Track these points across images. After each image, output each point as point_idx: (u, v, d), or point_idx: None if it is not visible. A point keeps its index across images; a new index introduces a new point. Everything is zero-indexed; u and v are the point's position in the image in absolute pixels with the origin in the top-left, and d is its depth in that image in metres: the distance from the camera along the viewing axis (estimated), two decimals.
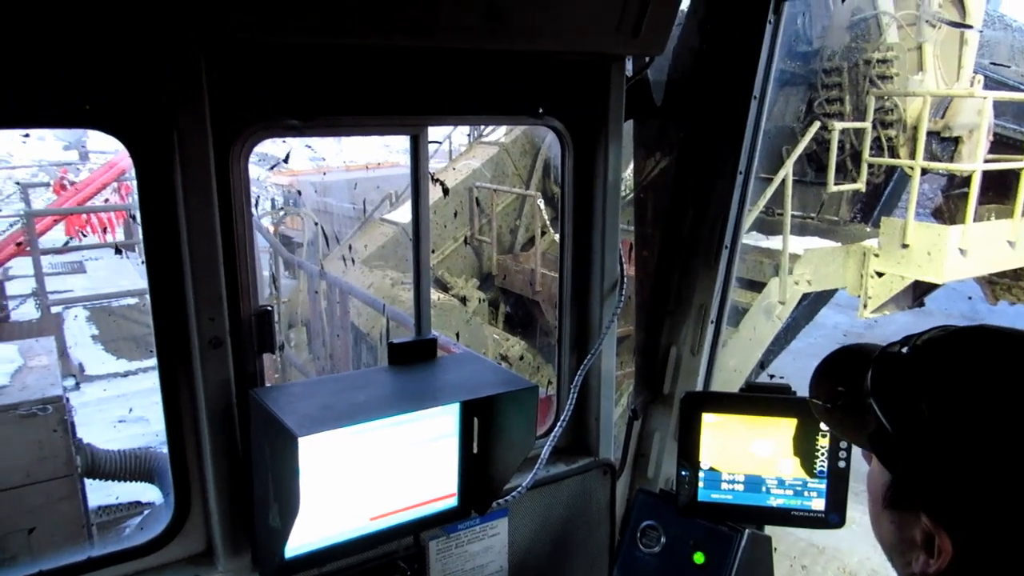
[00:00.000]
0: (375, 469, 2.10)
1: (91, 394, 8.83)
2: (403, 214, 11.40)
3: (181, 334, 2.07)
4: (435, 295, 10.01)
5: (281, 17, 1.90)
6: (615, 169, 2.76)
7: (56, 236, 13.01)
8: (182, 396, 2.11)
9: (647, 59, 2.73)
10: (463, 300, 10.75)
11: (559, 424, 2.70)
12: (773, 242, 9.62)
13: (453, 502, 2.29)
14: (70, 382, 8.75)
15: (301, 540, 2.02)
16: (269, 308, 2.24)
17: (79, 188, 12.59)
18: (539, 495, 2.78)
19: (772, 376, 8.45)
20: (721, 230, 3.02)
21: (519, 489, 2.53)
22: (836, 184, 9.61)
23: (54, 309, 10.32)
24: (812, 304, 9.52)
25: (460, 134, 14.08)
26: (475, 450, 2.28)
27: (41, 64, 1.76)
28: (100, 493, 5.43)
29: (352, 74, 2.19)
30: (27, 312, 10.11)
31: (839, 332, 14.27)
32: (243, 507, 2.16)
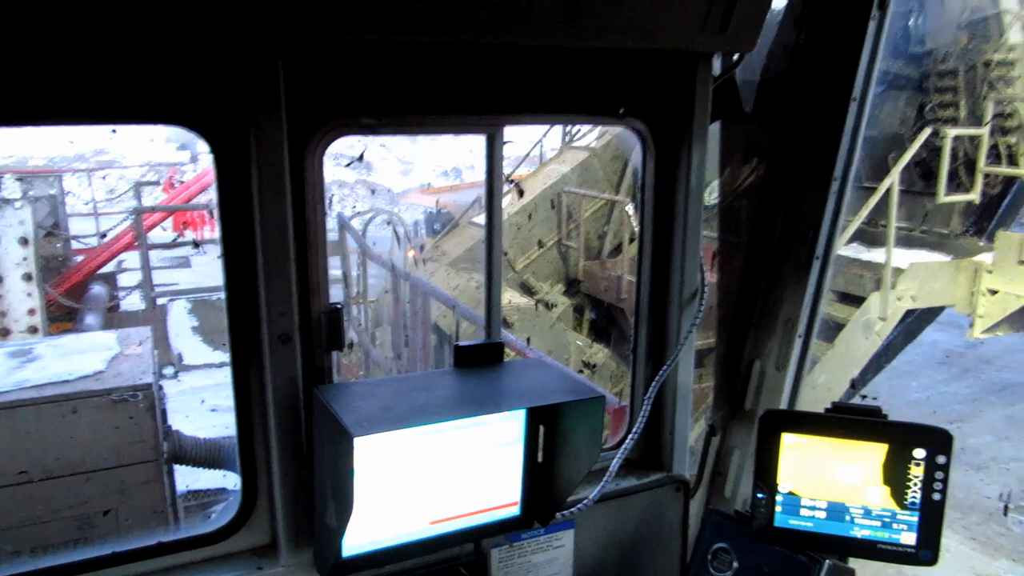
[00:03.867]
0: (436, 473, 2.07)
1: (188, 383, 9.27)
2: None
3: (252, 329, 2.11)
4: (519, 299, 10.02)
5: (356, 15, 1.91)
6: (699, 173, 2.66)
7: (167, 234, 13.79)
8: (252, 390, 2.15)
9: (736, 57, 2.63)
10: (548, 305, 10.70)
11: (631, 436, 2.61)
12: (875, 254, 9.15)
13: (516, 511, 2.24)
14: (170, 370, 9.23)
15: (360, 540, 2.02)
16: (339, 306, 2.25)
17: (186, 187, 13.32)
18: (607, 509, 2.70)
19: (864, 397, 8.03)
20: (813, 240, 2.88)
21: (586, 501, 2.46)
22: (947, 195, 9.05)
23: (160, 301, 10.91)
24: (915, 322, 8.98)
25: (552, 138, 14.09)
26: (540, 459, 2.23)
27: (126, 62, 1.83)
28: (191, 478, 5.68)
29: (427, 72, 2.18)
30: (134, 303, 10.73)
31: (939, 351, 13.47)
32: (307, 503, 2.18)
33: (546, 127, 12.96)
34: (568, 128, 13.08)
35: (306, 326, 2.16)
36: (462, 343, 2.27)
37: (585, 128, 12.38)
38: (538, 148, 13.78)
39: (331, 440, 1.88)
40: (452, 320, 8.34)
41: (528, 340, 6.65)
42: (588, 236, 11.56)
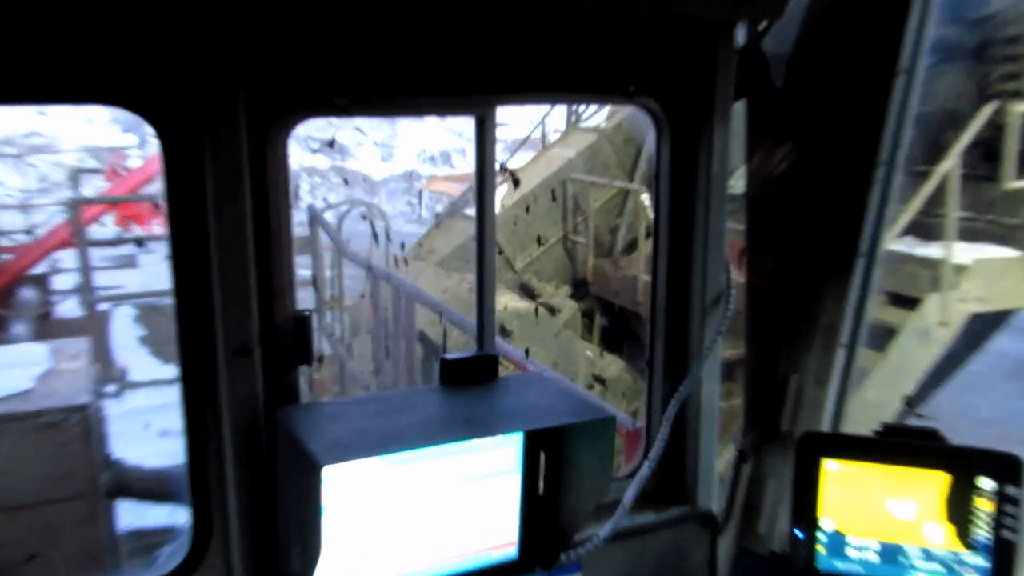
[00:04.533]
0: (419, 508, 2.07)
1: (133, 402, 9.25)
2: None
3: (206, 341, 2.11)
4: (519, 303, 10.03)
5: None
6: (721, 158, 2.67)
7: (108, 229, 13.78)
8: (205, 412, 2.15)
9: (763, 26, 2.63)
10: (552, 310, 10.73)
11: (647, 463, 2.61)
12: (933, 249, 9.16)
13: (512, 553, 2.24)
14: (112, 388, 9.21)
15: None
16: (307, 313, 2.25)
17: (132, 174, 13.31)
18: (621, 549, 2.70)
19: (921, 416, 8.03)
20: (856, 234, 2.88)
21: (595, 540, 2.46)
22: (1016, 179, 9.07)
23: (101, 307, 10.90)
24: (982, 327, 8.99)
25: (557, 117, 14.12)
26: (541, 491, 2.23)
27: (53, 30, 1.83)
28: (135, 515, 5.67)
29: (408, 47, 2.18)
30: (70, 310, 10.74)
31: (1009, 360, 13.45)
32: (269, 543, 2.18)
33: (547, 106, 12.99)
34: (574, 107, 13.11)
35: (269, 337, 2.16)
36: (450, 356, 2.28)
37: (594, 106, 12.41)
38: (539, 130, 13.81)
39: (296, 470, 1.88)
40: (441, 328, 8.36)
41: (527, 351, 6.65)
42: (598, 230, 11.59)
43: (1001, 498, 2.12)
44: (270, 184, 2.10)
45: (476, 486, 2.15)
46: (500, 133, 2.45)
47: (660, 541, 2.78)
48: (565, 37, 2.38)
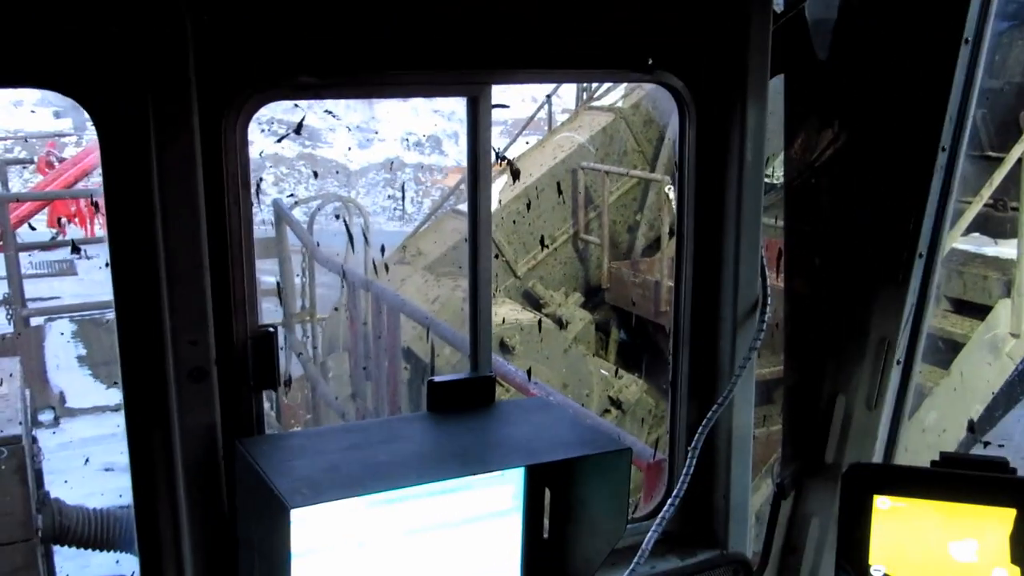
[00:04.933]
0: (403, 556, 2.08)
1: (73, 432, 9.25)
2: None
3: (154, 362, 2.12)
4: (522, 313, 10.03)
5: None
6: (756, 144, 2.69)
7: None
8: (154, 444, 2.16)
9: None
10: (561, 322, 10.73)
11: (671, 501, 2.63)
12: (1004, 248, 9.17)
13: None
14: (47, 416, 9.23)
15: None
16: (272, 329, 2.27)
17: (69, 166, 13.33)
18: None
19: (987, 444, 8.02)
20: (915, 231, 2.90)
21: None
22: None
23: (33, 321, 10.92)
24: None
25: (566, 96, 14.13)
26: (545, 533, 2.24)
27: None
28: (76, 563, 5.68)
29: (388, 15, 2.20)
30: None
31: None
32: None
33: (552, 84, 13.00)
34: (585, 83, 13.14)
35: (227, 357, 2.17)
36: (439, 378, 2.29)
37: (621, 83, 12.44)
38: (545, 111, 13.82)
39: (260, 512, 1.90)
40: (428, 344, 8.37)
41: (529, 372, 6.66)
42: (614, 228, 11.58)
43: None
44: (227, 177, 2.11)
45: (471, 529, 2.16)
46: (498, 116, 2.47)
47: None
48: (571, 2, 2.39)
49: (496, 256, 10.01)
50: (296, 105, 2.90)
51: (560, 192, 11.20)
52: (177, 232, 2.06)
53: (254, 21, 2.09)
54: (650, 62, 2.55)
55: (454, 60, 2.31)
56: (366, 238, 9.76)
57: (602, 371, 10.37)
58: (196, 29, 2.00)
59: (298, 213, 10.65)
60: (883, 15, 2.87)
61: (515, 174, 9.29)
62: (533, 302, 11.12)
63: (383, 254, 9.38)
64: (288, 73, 2.16)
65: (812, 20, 2.80)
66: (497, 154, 2.87)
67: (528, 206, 11.19)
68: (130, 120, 2.01)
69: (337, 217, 9.95)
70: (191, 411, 2.12)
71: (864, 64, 2.91)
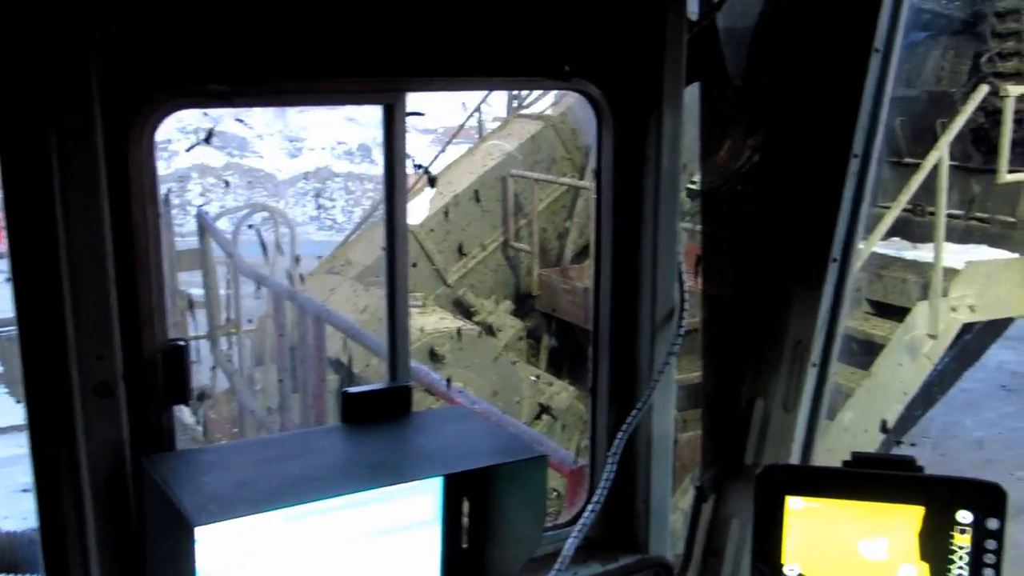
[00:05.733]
0: (320, 571, 2.05)
1: None
2: (415, 211, 11.46)
3: (58, 377, 2.06)
4: (453, 322, 10.01)
5: None
6: (672, 151, 2.71)
7: None
8: (59, 463, 2.10)
9: None
10: (491, 329, 10.74)
11: (591, 507, 2.63)
12: (922, 252, 9.42)
13: None
14: None
15: None
16: (182, 343, 2.22)
17: None
18: None
19: (900, 443, 8.23)
20: (828, 235, 2.94)
21: None
22: (1011, 171, 9.38)
23: None
24: (975, 339, 9.27)
25: (497, 102, 14.16)
26: (464, 543, 2.23)
27: None
28: None
29: (301, 21, 2.18)
30: None
31: (1005, 373, 13.90)
32: None
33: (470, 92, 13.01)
34: (517, 91, 13.17)
35: (135, 371, 2.12)
36: (354, 389, 2.27)
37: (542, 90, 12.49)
38: (476, 119, 13.83)
39: (166, 530, 1.86)
40: (361, 354, 8.30)
41: (449, 380, 6.66)
42: (544, 235, 11.63)
43: (980, 532, 2.18)
44: (133, 188, 2.07)
45: (388, 541, 2.13)
46: (429, 124, 2.46)
47: None
48: (489, 11, 2.39)
49: (414, 265, 9.96)
50: (206, 114, 2.85)
51: (479, 200, 11.18)
52: (81, 245, 2.00)
53: (160, 28, 2.05)
54: (567, 69, 2.56)
55: (368, 67, 2.30)
56: (280, 248, 9.65)
57: (533, 378, 10.39)
58: (99, 37, 1.96)
59: (224, 224, 10.51)
60: (795, 24, 2.92)
61: (432, 181, 9.25)
62: (464, 310, 11.11)
63: (298, 264, 9.30)
64: (196, 81, 2.12)
65: (724, 29, 2.83)
66: (415, 163, 2.85)
67: (446, 214, 11.17)
68: (30, 131, 1.95)
69: (250, 227, 9.82)
70: (98, 428, 2.06)
71: (778, 72, 2.95)
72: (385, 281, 2.54)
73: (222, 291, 9.47)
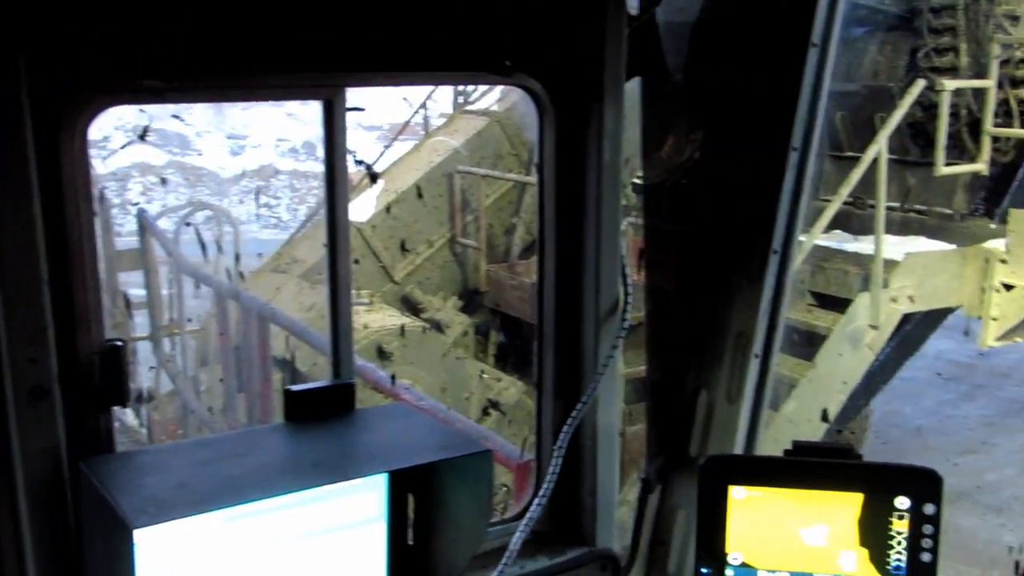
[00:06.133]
0: (268, 570, 2.03)
1: None
2: (361, 208, 11.40)
3: None
4: (400, 319, 9.98)
5: None
6: (613, 145, 2.72)
7: None
8: None
9: None
10: (439, 326, 10.72)
11: (537, 501, 2.64)
12: (864, 244, 9.57)
13: None
14: None
15: None
16: (119, 343, 2.19)
17: None
18: None
19: (840, 431, 8.37)
20: (768, 228, 2.98)
21: None
22: (948, 164, 9.57)
23: None
24: (916, 329, 9.45)
25: (443, 98, 14.11)
26: (410, 540, 2.22)
27: None
28: None
29: (238, 18, 2.15)
30: None
31: (942, 363, 14.22)
32: None
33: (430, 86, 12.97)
34: (463, 86, 13.15)
35: (71, 374, 2.09)
36: (296, 387, 2.25)
37: (484, 85, 12.47)
38: (422, 115, 13.78)
39: (104, 534, 1.83)
40: (306, 353, 8.24)
41: (393, 377, 6.64)
42: (491, 231, 11.64)
43: (917, 517, 2.22)
44: (66, 186, 2.03)
45: (335, 539, 2.12)
46: (374, 120, 2.44)
47: None
48: (427, 4, 2.38)
49: (356, 262, 9.91)
50: (142, 110, 2.81)
51: (420, 196, 11.15)
52: (12, 246, 1.96)
53: (91, 24, 2.01)
54: (507, 64, 2.56)
55: (306, 63, 2.27)
56: (220, 247, 9.55)
57: (482, 374, 10.40)
58: (28, 33, 1.92)
59: (166, 223, 10.37)
60: (734, 19, 2.94)
61: (373, 177, 9.21)
62: (411, 307, 11.07)
63: (238, 262, 9.21)
64: (129, 77, 2.09)
65: (664, 23, 2.85)
66: (356, 159, 2.83)
67: (390, 211, 11.13)
68: None
69: (188, 224, 9.71)
70: (33, 432, 2.02)
71: (717, 67, 2.98)
72: (327, 278, 2.52)
73: (165, 291, 9.34)
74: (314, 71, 2.30)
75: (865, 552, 2.27)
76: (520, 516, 2.69)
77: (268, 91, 2.45)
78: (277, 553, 2.04)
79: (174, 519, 1.78)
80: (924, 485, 2.23)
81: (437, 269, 11.68)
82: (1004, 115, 10.02)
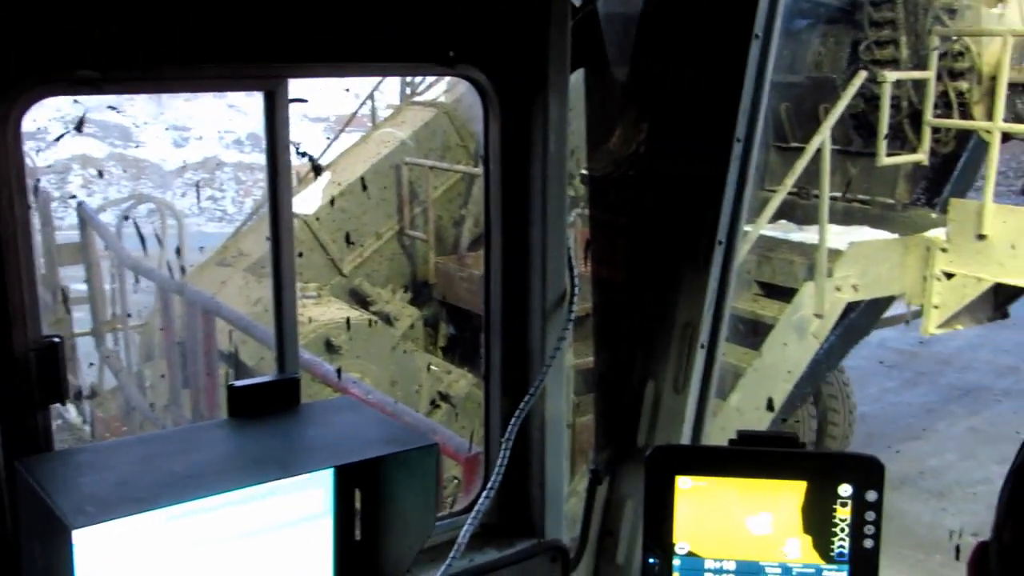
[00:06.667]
0: (213, 568, 2.00)
1: None
2: (307, 200, 11.30)
3: None
4: (349, 312, 9.92)
5: None
6: (559, 137, 2.72)
7: None
8: None
9: None
10: (388, 319, 10.68)
11: (486, 493, 2.64)
12: (809, 234, 9.71)
13: None
14: None
15: None
16: (56, 339, 2.14)
17: None
18: None
19: (784, 420, 8.50)
20: (713, 219, 3.00)
21: None
22: (889, 155, 9.74)
23: None
24: (860, 318, 9.61)
25: (391, 89, 14.05)
26: (358, 536, 2.21)
27: None
28: None
29: (177, 7, 2.11)
30: None
31: (885, 350, 14.50)
32: None
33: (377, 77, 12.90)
34: (409, 77, 13.08)
35: (6, 371, 2.05)
36: (240, 382, 2.22)
37: (431, 76, 12.43)
38: (367, 105, 13.70)
39: (41, 535, 1.79)
40: (253, 347, 8.16)
41: (339, 370, 6.60)
42: (440, 223, 11.61)
43: (860, 504, 2.25)
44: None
45: (281, 535, 2.10)
46: (321, 112, 2.42)
47: None
48: None
49: (300, 255, 9.84)
50: (76, 101, 2.75)
51: (364, 188, 11.08)
52: None
53: (23, 11, 1.96)
54: (451, 55, 2.54)
55: (247, 53, 2.24)
56: (160, 240, 9.40)
57: (432, 367, 10.37)
58: None
59: (109, 216, 10.18)
60: (677, 10, 2.96)
61: (316, 169, 9.13)
62: (360, 300, 11.01)
63: (179, 255, 9.09)
64: (64, 67, 2.04)
65: (607, 15, 2.86)
66: (299, 150, 2.80)
67: (335, 203, 11.05)
68: None
69: (126, 218, 9.54)
70: None
71: (660, 58, 2.99)
72: (271, 271, 2.50)
73: (107, 286, 9.18)
74: (255, 62, 2.27)
75: (809, 539, 2.29)
76: (469, 509, 2.69)
77: (208, 82, 2.41)
78: (222, 551, 2.01)
79: (114, 519, 1.75)
80: (866, 472, 2.26)
81: (386, 261, 11.62)
82: (944, 107, 10.21)
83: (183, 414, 7.95)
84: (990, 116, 9.47)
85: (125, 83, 2.21)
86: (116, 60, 2.09)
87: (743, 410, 8.19)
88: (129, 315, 8.92)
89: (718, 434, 3.27)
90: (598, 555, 3.19)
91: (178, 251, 9.07)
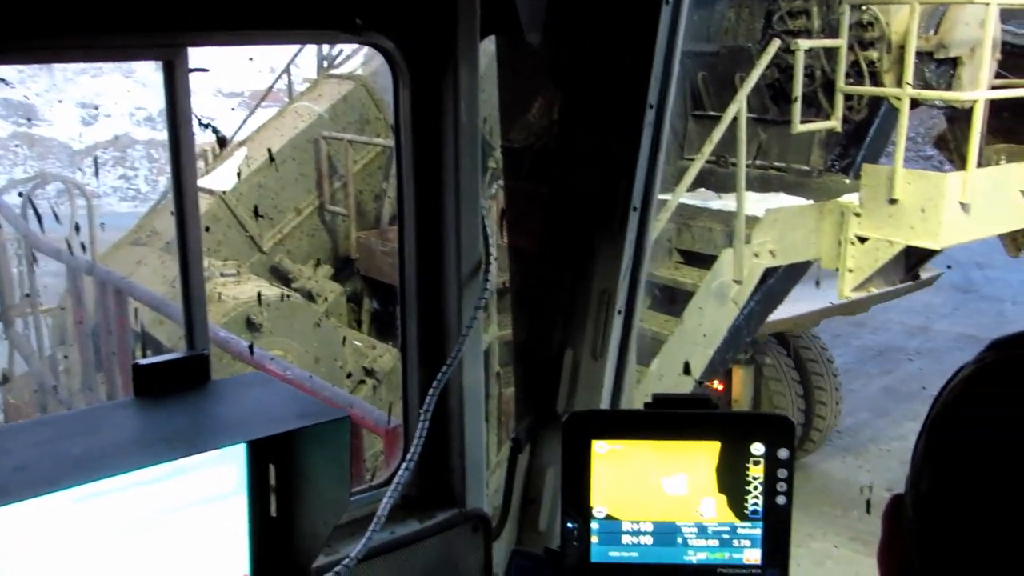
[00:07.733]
0: (121, 551, 1.96)
1: None
2: (224, 177, 11.09)
3: None
4: (270, 289, 9.80)
5: None
6: (470, 106, 2.70)
7: None
8: None
9: None
10: (311, 295, 10.58)
11: (405, 465, 2.63)
12: (727, 201, 9.84)
13: None
14: None
15: None
16: None
17: None
18: (382, 567, 2.71)
19: (701, 383, 8.66)
20: (627, 186, 3.02)
21: (346, 562, 2.45)
22: (803, 122, 9.91)
23: None
24: (778, 283, 9.80)
25: (307, 63, 13.82)
26: (273, 512, 2.18)
27: None
28: None
29: None
30: None
31: None
32: None
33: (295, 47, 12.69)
34: (329, 48, 12.89)
35: None
36: (145, 360, 2.17)
37: (349, 48, 12.27)
38: (283, 79, 13.46)
39: None
40: (170, 328, 8.01)
41: (251, 346, 6.52)
42: (361, 197, 11.51)
43: (772, 462, 2.30)
44: None
45: (193, 514, 2.06)
46: (235, 87, 2.36)
47: (428, 552, 2.80)
48: None
49: (207, 229, 9.66)
50: None
51: (279, 162, 10.91)
52: None
53: None
54: (358, 22, 2.50)
55: (143, 21, 2.17)
56: (58, 219, 9.12)
57: (356, 343, 10.32)
58: None
59: (13, 197, 9.83)
60: None
61: (221, 142, 8.94)
62: (281, 277, 10.88)
63: (78, 232, 8.82)
64: None
65: None
66: (201, 122, 2.74)
67: (248, 178, 10.87)
68: None
69: (20, 195, 9.24)
70: None
71: (572, 25, 2.99)
72: (177, 247, 2.44)
73: (14, 269, 8.90)
74: (152, 31, 2.20)
75: (724, 498, 2.34)
76: (389, 481, 2.68)
77: (104, 51, 2.34)
78: (135, 532, 1.97)
79: (12, 503, 1.70)
80: (777, 431, 2.31)
81: (306, 237, 11.49)
82: (856, 76, 10.39)
83: (98, 397, 7.78)
84: (899, 83, 9.68)
85: (16, 53, 2.13)
86: (4, 29, 2.00)
87: (664, 375, 8.30)
88: (31, 295, 8.65)
89: (641, 400, 3.32)
90: (520, 523, 3.22)
91: (77, 228, 8.80)
